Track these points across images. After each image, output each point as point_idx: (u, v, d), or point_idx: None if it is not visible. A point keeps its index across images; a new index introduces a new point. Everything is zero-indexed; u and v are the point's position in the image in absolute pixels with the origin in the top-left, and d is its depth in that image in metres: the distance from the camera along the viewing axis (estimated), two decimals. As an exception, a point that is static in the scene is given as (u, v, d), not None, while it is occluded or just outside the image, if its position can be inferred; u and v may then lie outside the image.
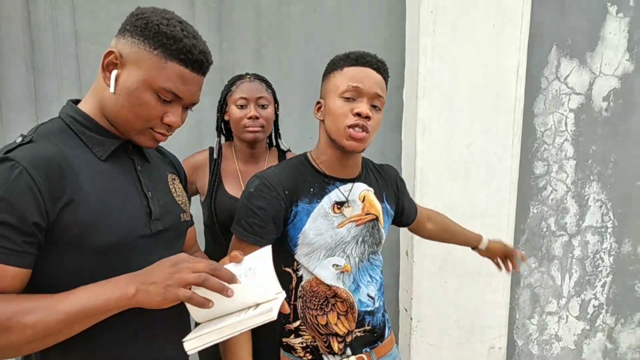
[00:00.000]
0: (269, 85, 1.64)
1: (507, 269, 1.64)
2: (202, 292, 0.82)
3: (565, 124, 2.23)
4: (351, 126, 1.16)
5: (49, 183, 0.82)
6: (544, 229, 2.30)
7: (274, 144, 1.77)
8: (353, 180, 1.29)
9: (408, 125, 2.20)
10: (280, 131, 1.76)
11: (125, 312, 0.83)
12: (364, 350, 1.29)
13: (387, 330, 1.37)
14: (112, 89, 0.90)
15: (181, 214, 1.08)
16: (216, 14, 2.19)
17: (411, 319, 2.20)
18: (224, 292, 0.83)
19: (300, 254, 1.23)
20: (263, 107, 1.58)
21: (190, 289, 0.81)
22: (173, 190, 1.10)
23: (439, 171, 2.12)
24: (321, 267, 1.23)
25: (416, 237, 2.14)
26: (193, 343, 0.81)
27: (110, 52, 0.91)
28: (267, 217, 1.18)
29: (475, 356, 2.25)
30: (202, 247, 1.65)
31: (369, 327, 1.29)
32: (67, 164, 0.86)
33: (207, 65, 0.97)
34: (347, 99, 1.17)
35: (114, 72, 0.91)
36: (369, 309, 1.28)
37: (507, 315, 2.25)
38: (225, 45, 2.19)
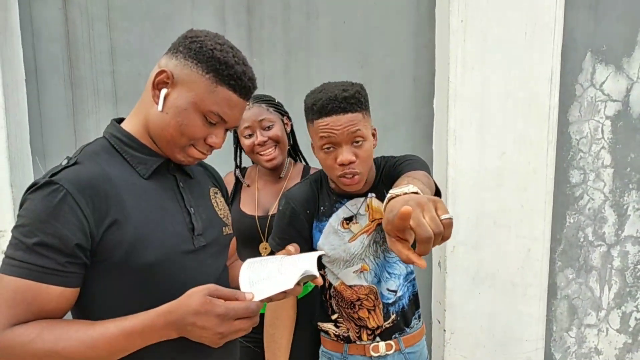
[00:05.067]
0: (270, 103, 1.63)
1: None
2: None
3: (602, 131, 2.18)
4: (341, 176, 1.23)
5: (92, 205, 0.83)
6: (582, 239, 2.24)
7: (298, 157, 1.78)
8: (364, 195, 1.33)
9: (439, 135, 2.18)
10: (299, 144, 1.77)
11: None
12: (392, 337, 1.38)
13: (416, 321, 1.43)
14: (160, 107, 0.92)
15: (223, 228, 1.09)
16: (246, 28, 2.22)
17: (444, 331, 2.16)
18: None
19: (325, 261, 1.36)
20: (268, 128, 1.59)
21: None
22: (215, 204, 1.10)
23: (471, 181, 2.09)
24: (343, 273, 1.35)
25: (449, 249, 2.11)
26: None
27: (162, 72, 0.92)
28: (296, 234, 1.32)
29: (511, 370, 2.20)
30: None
31: (394, 315, 1.37)
32: (111, 184, 0.88)
33: (253, 92, 1.00)
34: (328, 150, 1.22)
35: (164, 91, 0.92)
36: (390, 301, 1.36)
37: (544, 327, 2.19)
38: (256, 59, 2.21)
